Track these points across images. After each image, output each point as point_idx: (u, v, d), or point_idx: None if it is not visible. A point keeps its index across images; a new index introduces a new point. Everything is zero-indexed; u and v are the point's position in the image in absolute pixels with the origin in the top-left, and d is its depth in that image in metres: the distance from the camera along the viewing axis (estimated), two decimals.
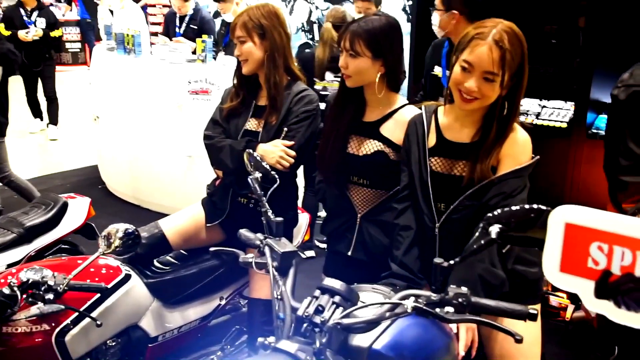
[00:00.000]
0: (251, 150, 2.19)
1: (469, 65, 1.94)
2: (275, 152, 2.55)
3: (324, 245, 4.77)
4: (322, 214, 3.49)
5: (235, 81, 2.77)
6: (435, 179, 2.09)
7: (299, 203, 3.15)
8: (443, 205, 2.08)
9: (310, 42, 7.88)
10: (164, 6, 9.53)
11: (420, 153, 2.13)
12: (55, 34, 7.66)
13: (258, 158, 2.10)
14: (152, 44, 5.99)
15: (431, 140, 2.14)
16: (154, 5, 9.90)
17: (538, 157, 2.04)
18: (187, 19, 6.60)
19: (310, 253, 4.71)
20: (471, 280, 1.87)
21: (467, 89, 1.95)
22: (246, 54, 2.62)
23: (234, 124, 2.71)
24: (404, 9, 7.03)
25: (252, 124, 2.69)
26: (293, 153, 2.56)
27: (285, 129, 2.61)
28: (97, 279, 2.33)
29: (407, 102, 2.41)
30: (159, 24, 8.40)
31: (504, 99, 1.99)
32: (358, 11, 4.83)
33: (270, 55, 2.62)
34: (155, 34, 7.45)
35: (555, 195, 3.77)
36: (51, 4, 13.78)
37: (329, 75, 4.57)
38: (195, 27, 6.50)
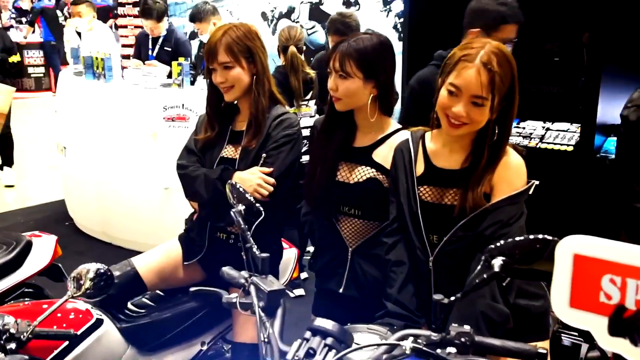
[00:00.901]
0: (234, 182, 2.18)
1: (456, 89, 1.96)
2: (252, 180, 2.52)
3: (305, 275, 4.77)
4: (311, 248, 3.49)
5: (208, 110, 2.74)
6: (425, 210, 2.10)
7: None
8: (435, 237, 2.09)
9: None
10: (136, 27, 9.57)
11: (409, 182, 2.15)
12: (10, 59, 7.31)
13: (241, 189, 2.09)
14: (123, 67, 6.00)
15: (419, 168, 2.15)
16: (125, 27, 9.94)
17: (535, 181, 2.06)
18: (160, 40, 6.58)
19: (300, 291, 4.70)
20: (472, 318, 1.87)
21: (454, 114, 1.97)
22: (233, 80, 2.58)
23: (209, 154, 2.71)
24: (395, 27, 7.10)
25: (228, 151, 2.68)
26: (272, 181, 2.54)
27: (264, 155, 2.59)
28: (65, 325, 2.31)
29: (400, 126, 2.42)
30: (130, 46, 8.43)
31: (494, 123, 2.01)
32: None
33: (258, 79, 2.61)
34: (127, 57, 7.45)
35: (562, 224, 3.79)
36: (11, 26, 13.84)
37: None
38: (170, 49, 6.48)
